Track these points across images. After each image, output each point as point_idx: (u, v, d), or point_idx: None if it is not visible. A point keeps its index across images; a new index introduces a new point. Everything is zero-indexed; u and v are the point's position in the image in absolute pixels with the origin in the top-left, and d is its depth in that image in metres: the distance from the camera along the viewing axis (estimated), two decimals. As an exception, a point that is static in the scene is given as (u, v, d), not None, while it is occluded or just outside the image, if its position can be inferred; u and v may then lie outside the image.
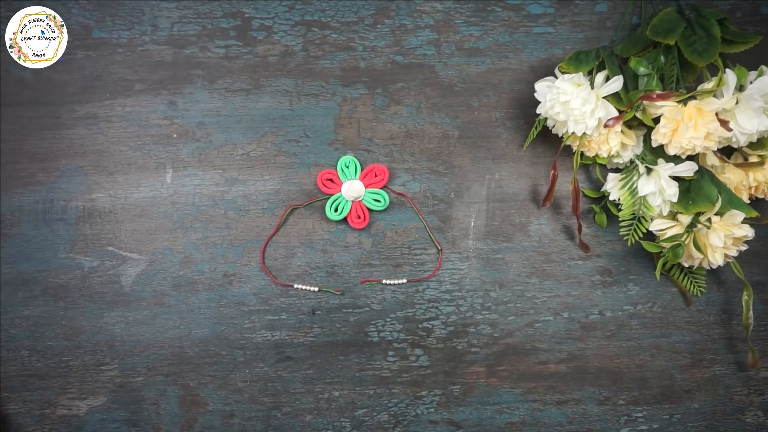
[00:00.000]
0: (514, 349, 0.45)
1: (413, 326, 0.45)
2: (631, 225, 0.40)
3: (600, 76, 0.39)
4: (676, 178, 0.40)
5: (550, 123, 0.42)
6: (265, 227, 0.45)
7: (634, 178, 0.41)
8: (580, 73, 0.39)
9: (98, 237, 0.45)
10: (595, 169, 0.45)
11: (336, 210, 0.44)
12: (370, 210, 0.45)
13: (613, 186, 0.42)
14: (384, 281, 0.45)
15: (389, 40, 0.45)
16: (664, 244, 0.40)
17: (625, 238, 0.41)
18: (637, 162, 0.41)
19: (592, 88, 0.39)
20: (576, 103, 0.38)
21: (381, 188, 0.45)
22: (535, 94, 0.41)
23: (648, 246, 0.40)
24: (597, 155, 0.41)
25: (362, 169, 0.45)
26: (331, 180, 0.45)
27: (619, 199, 0.41)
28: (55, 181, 0.44)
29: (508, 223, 0.45)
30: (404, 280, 0.45)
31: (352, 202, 0.44)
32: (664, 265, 0.42)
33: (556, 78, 0.41)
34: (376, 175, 0.45)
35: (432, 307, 0.45)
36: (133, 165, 0.45)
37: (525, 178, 0.46)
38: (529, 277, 0.46)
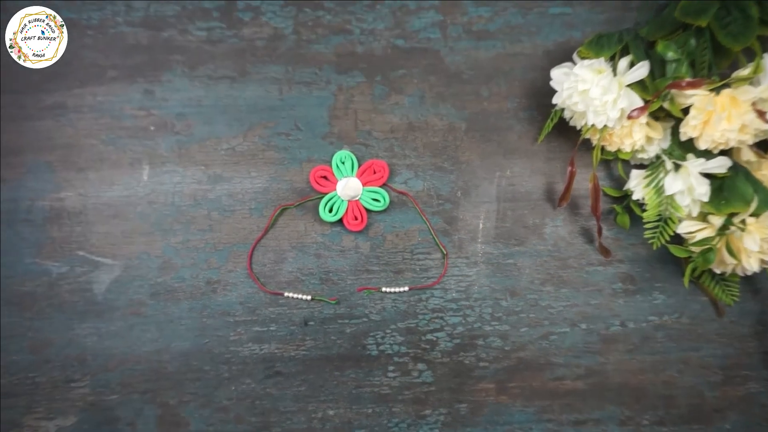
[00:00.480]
0: (527, 363, 0.45)
1: (416, 338, 0.45)
2: (657, 227, 0.40)
3: (623, 62, 0.39)
4: (707, 176, 0.39)
5: (567, 114, 0.42)
6: (252, 229, 0.45)
7: (661, 176, 0.40)
8: (602, 59, 0.39)
9: (67, 240, 0.44)
10: (617, 165, 0.45)
11: (331, 210, 0.44)
12: (368, 210, 0.45)
13: (637, 184, 0.42)
14: (383, 289, 0.45)
15: (389, 22, 0.44)
16: (694, 249, 0.40)
17: (650, 241, 0.41)
18: (664, 157, 0.41)
19: (615, 75, 0.39)
20: (596, 92, 0.38)
21: (380, 186, 0.45)
22: (551, 83, 0.41)
23: (675, 250, 0.41)
24: (619, 150, 0.41)
25: (360, 166, 0.44)
26: (325, 177, 0.44)
27: (643, 199, 0.41)
28: (19, 178, 0.44)
29: (520, 224, 0.45)
30: (406, 288, 0.45)
31: (349, 201, 0.44)
32: (693, 271, 0.41)
33: (575, 64, 0.40)
34: (374, 172, 0.44)
35: (436, 317, 0.45)
36: (106, 161, 0.44)
37: (539, 175, 0.45)
38: (544, 284, 0.45)
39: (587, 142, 0.44)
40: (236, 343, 0.45)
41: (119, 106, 0.44)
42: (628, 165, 0.45)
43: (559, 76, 0.40)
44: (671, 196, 0.40)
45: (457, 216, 0.45)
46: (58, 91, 0.44)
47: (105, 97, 0.44)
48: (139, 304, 0.45)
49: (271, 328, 0.45)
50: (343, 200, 0.44)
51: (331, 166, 0.44)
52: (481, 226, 0.45)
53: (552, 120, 0.43)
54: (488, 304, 0.45)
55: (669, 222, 0.40)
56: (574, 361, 0.45)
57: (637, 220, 0.43)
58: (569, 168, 0.42)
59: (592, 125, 0.40)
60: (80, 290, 0.44)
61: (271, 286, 0.45)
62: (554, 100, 0.41)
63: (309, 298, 0.44)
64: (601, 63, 0.39)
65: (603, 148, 0.42)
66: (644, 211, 0.41)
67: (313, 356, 0.45)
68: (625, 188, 0.43)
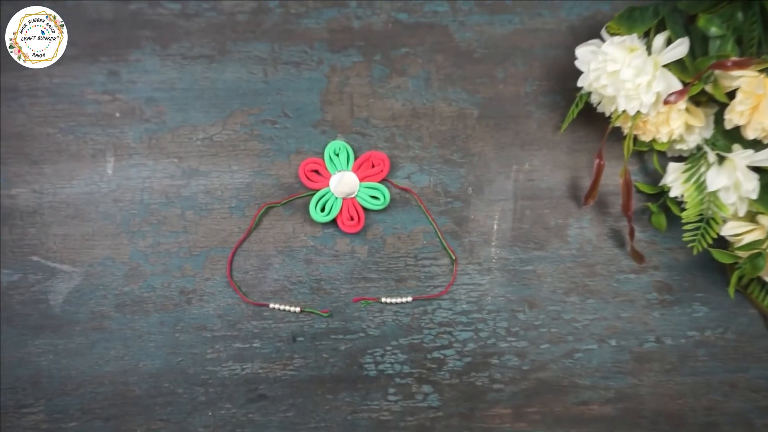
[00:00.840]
0: (549, 385, 0.45)
1: (420, 357, 0.45)
2: (698, 229, 0.40)
3: (659, 39, 0.39)
4: (755, 169, 0.39)
5: (594, 99, 0.42)
6: (232, 231, 0.45)
7: (702, 170, 0.40)
8: (634, 35, 0.39)
9: (19, 244, 0.44)
10: (651, 157, 0.45)
11: (323, 209, 0.44)
12: (365, 209, 0.45)
13: (675, 179, 0.41)
14: (383, 300, 0.44)
15: (390, -6, 0.45)
16: (741, 253, 0.40)
17: (690, 245, 0.40)
18: (706, 149, 0.41)
19: (649, 54, 0.39)
20: (628, 73, 0.37)
21: (380, 182, 0.45)
22: (576, 63, 0.40)
23: (719, 256, 0.40)
24: (654, 140, 0.41)
25: (356, 158, 0.45)
26: (316, 172, 0.44)
27: (682, 196, 0.41)
28: (-36, 172, 0.44)
29: (540, 225, 0.45)
30: (409, 299, 0.45)
31: (343, 199, 0.44)
32: (740, 279, 0.41)
33: (603, 41, 0.40)
34: (373, 166, 0.44)
35: (444, 332, 0.45)
36: (64, 152, 0.44)
37: (562, 168, 0.45)
38: (568, 294, 0.45)
39: (617, 131, 0.44)
40: (214, 361, 0.44)
41: (79, 90, 0.44)
42: (665, 157, 0.44)
43: (585, 55, 0.40)
44: (714, 193, 0.39)
45: (467, 216, 0.45)
46: (8, 72, 0.44)
47: (63, 79, 0.44)
48: (102, 318, 0.44)
49: (255, 345, 0.45)
50: (337, 198, 0.44)
51: (323, 158, 0.44)
52: (495, 227, 0.45)
53: (577, 106, 0.43)
54: (503, 317, 0.45)
55: (712, 223, 0.39)
56: (603, 383, 0.45)
57: (674, 221, 0.43)
58: (597, 161, 0.42)
59: (623, 112, 0.39)
60: (34, 301, 0.44)
61: (254, 296, 0.45)
62: (579, 83, 0.41)
63: (298, 310, 0.44)
64: (633, 40, 0.38)
65: (636, 138, 0.42)
66: (683, 210, 0.41)
67: (303, 377, 0.44)
68: (661, 184, 0.43)
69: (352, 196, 0.44)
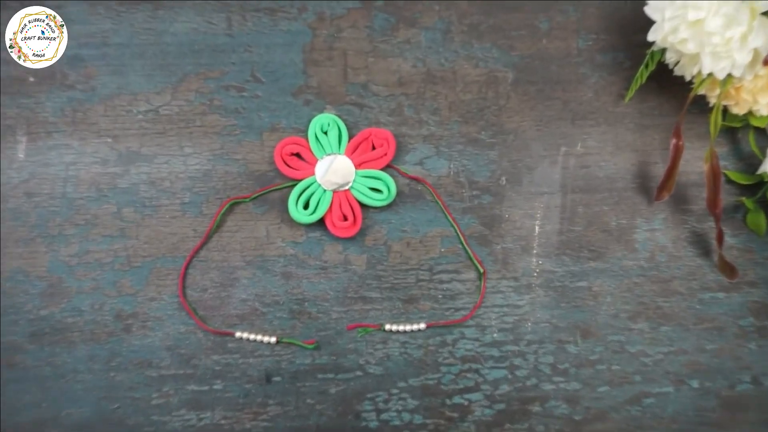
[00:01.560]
0: None
1: (437, 403, 0.44)
2: None
3: None
4: None
5: (670, 58, 0.42)
6: (186, 235, 0.45)
7: None
8: None
9: None
10: (747, 136, 0.45)
11: (306, 206, 0.44)
12: (363, 206, 0.45)
13: None
14: (387, 327, 0.44)
15: None
16: None
17: None
18: None
19: None
20: (716, 23, 0.37)
21: (382, 169, 0.44)
22: (646, 9, 0.41)
23: None
24: (751, 113, 0.42)
25: (351, 138, 0.45)
26: (298, 155, 0.45)
27: None
28: None
29: (597, 227, 0.45)
30: (422, 326, 0.44)
31: (334, 192, 0.44)
32: None
33: None
34: (374, 147, 0.45)
35: (469, 370, 0.45)
36: None
37: (627, 151, 0.46)
38: (634, 319, 0.45)
39: (701, 100, 0.44)
40: (161, 409, 0.44)
41: (-20, 46, 0.45)
42: (765, 136, 0.45)
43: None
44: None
45: (500, 215, 0.45)
46: None
47: (-43, 32, 0.44)
48: (13, 350, 0.44)
49: (216, 388, 0.44)
50: (325, 191, 0.44)
51: (307, 137, 0.44)
52: (537, 230, 0.45)
53: (647, 67, 0.43)
54: (548, 349, 0.45)
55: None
56: (681, 438, 0.45)
57: (777, 222, 0.43)
58: (673, 141, 0.42)
59: (709, 75, 0.39)
60: None
61: (215, 322, 0.44)
62: (650, 37, 0.41)
63: (273, 340, 0.44)
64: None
65: (726, 111, 0.43)
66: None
67: (281, 429, 0.44)
68: (759, 172, 0.43)
69: (346, 188, 0.44)
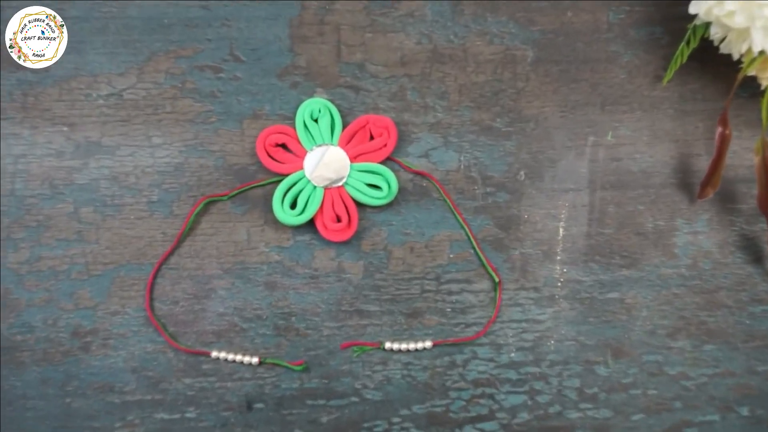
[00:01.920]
0: None
1: None
2: None
3: None
4: None
5: (715, 34, 0.41)
6: (154, 239, 0.44)
7: None
8: None
9: None
10: None
11: (294, 205, 0.44)
12: (360, 205, 0.44)
13: None
14: (387, 345, 0.43)
15: None
16: None
17: None
18: None
19: None
20: None
21: (382, 162, 0.44)
22: None
23: None
24: None
25: (346, 126, 0.44)
26: (284, 146, 0.44)
27: None
28: None
29: (631, 230, 0.45)
30: (428, 344, 0.43)
31: (326, 189, 0.44)
32: None
33: None
34: (372, 137, 0.44)
35: (482, 395, 0.44)
36: None
37: (665, 141, 0.45)
38: (674, 336, 0.44)
39: (751, 82, 0.43)
40: None
41: None
42: None
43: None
44: None
45: (518, 215, 0.44)
46: None
47: None
48: None
49: (189, 416, 0.43)
50: (316, 187, 0.43)
51: (294, 126, 0.44)
52: (561, 232, 0.45)
53: (688, 44, 0.42)
54: (574, 371, 0.44)
55: None
56: (728, 474, 0.45)
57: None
58: (719, 129, 0.41)
59: (761, 53, 0.38)
60: None
61: (187, 339, 0.43)
62: (692, 9, 0.40)
63: (256, 361, 0.43)
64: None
65: None
66: None
67: None
68: None
69: (340, 184, 0.44)
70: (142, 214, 0.44)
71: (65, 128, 0.44)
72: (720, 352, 0.44)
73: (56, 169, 0.44)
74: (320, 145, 0.43)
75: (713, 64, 0.44)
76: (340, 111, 0.44)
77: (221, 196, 0.44)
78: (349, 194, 0.44)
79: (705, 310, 0.44)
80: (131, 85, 0.44)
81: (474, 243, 0.44)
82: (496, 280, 0.44)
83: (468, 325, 0.44)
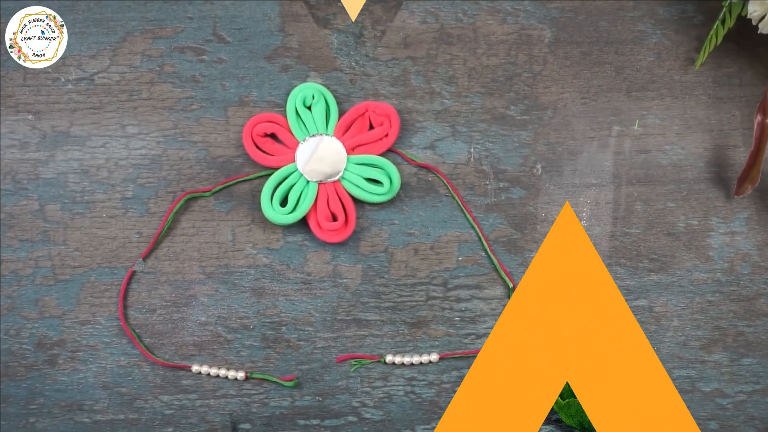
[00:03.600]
0: None
1: None
2: None
3: None
4: None
5: (753, 12, 0.40)
6: (128, 240, 0.43)
7: None
8: None
9: None
10: None
11: (284, 203, 0.43)
12: (358, 202, 0.44)
13: None
14: (389, 358, 0.43)
15: None
16: None
17: None
18: None
19: None
20: None
21: (382, 154, 0.43)
22: None
23: None
24: None
25: (342, 114, 0.44)
26: (273, 137, 0.44)
27: None
28: None
29: (660, 230, 0.44)
30: (434, 357, 0.43)
31: (320, 184, 0.43)
32: None
33: None
34: (372, 126, 0.44)
35: None
36: None
37: (698, 131, 0.44)
38: (708, 348, 0.43)
39: None
40: None
41: None
42: None
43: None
44: None
45: (534, 213, 0.44)
46: None
47: None
48: None
49: None
50: (309, 182, 0.43)
51: (285, 114, 0.43)
52: None
53: (724, 23, 0.42)
54: None
55: None
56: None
57: None
58: (758, 118, 0.40)
59: None
60: None
61: (166, 352, 0.43)
62: None
63: (242, 376, 0.42)
64: None
65: None
66: None
67: None
68: None
69: (335, 178, 0.43)
70: (115, 212, 0.43)
71: (30, 116, 0.43)
72: (760, 366, 0.43)
73: (19, 162, 0.43)
74: (314, 135, 0.43)
75: (751, 46, 0.44)
76: (336, 97, 0.43)
77: (203, 192, 0.43)
78: (345, 190, 0.43)
79: (743, 320, 0.44)
80: (103, 69, 0.44)
81: (485, 244, 0.43)
82: (510, 285, 0.43)
83: (479, 336, 0.43)
